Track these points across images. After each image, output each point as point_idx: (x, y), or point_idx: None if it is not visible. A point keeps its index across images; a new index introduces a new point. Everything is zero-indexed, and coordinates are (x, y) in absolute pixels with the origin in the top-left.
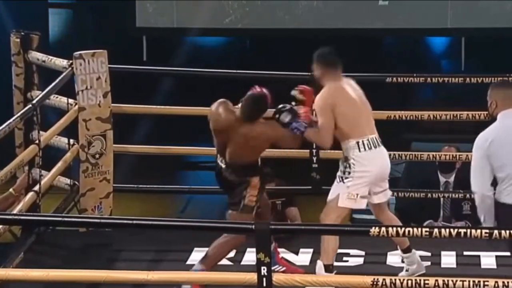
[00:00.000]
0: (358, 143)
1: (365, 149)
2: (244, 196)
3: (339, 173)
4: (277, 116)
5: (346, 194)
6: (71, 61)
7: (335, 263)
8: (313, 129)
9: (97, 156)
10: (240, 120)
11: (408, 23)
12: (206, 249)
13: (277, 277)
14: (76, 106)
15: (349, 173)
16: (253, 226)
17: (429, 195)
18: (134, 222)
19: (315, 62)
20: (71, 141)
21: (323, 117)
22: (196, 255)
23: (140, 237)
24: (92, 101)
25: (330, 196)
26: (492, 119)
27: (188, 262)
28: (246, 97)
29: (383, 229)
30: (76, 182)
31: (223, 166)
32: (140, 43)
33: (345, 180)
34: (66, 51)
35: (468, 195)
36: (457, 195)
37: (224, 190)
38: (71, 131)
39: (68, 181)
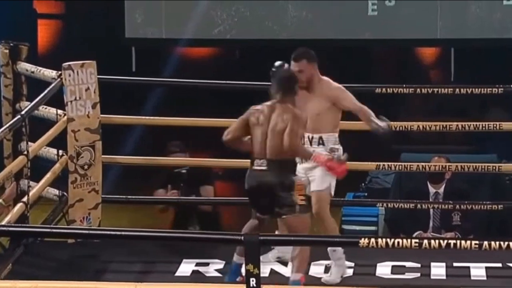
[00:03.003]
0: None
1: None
2: (291, 198)
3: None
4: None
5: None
6: (60, 72)
7: (325, 275)
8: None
9: (85, 167)
10: (279, 101)
11: (397, 34)
12: (195, 260)
13: None
14: (65, 117)
15: None
16: (242, 237)
17: (419, 205)
18: (123, 233)
19: (311, 62)
20: (60, 152)
21: (352, 96)
22: (185, 267)
23: (129, 249)
24: (81, 112)
25: (320, 186)
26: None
27: (177, 274)
28: (274, 76)
29: (373, 240)
30: (65, 193)
31: (264, 168)
32: (129, 54)
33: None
34: (55, 62)
35: (458, 206)
36: (446, 206)
37: (261, 200)
38: (60, 142)
39: (56, 192)
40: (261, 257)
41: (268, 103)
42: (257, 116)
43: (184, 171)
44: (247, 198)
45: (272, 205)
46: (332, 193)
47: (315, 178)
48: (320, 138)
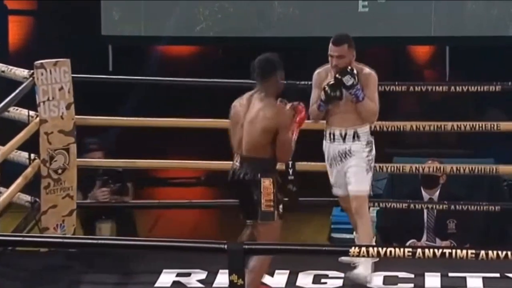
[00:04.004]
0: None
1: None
2: (259, 202)
3: (357, 160)
4: (339, 76)
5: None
6: (32, 71)
7: (313, 285)
8: (368, 101)
9: (59, 171)
10: (258, 91)
11: (389, 31)
12: (176, 270)
13: None
14: (37, 119)
15: (369, 157)
16: (226, 246)
17: (412, 205)
18: (99, 241)
19: (351, 47)
20: (32, 155)
21: (376, 93)
22: (165, 277)
23: (106, 258)
24: (54, 113)
25: (359, 186)
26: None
27: (157, 285)
28: (255, 62)
29: (363, 249)
30: (37, 199)
31: (237, 164)
32: (106, 52)
33: (370, 165)
34: (26, 60)
35: (452, 207)
36: (441, 207)
37: (242, 200)
38: (31, 145)
39: (28, 198)
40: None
41: (248, 93)
42: (236, 109)
43: (120, 170)
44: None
45: (243, 206)
46: (370, 189)
47: (351, 176)
48: (355, 133)
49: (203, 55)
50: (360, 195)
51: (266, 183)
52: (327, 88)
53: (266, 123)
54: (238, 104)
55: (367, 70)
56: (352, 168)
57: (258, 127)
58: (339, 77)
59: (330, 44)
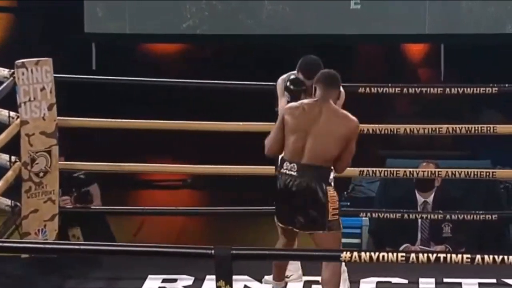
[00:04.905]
0: None
1: None
2: (325, 212)
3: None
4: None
5: None
6: (12, 70)
7: None
8: None
9: (41, 174)
10: (324, 100)
11: (382, 29)
12: (161, 276)
13: None
14: (18, 120)
15: None
16: (213, 251)
17: (406, 215)
18: (82, 247)
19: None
20: (13, 158)
21: None
22: (151, 283)
23: (89, 264)
24: (36, 114)
25: None
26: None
27: None
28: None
29: (355, 254)
30: (18, 203)
31: (294, 173)
32: (89, 50)
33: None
34: (7, 59)
35: (448, 216)
36: (436, 216)
37: (293, 208)
38: (12, 147)
39: (9, 202)
40: (265, 279)
41: (310, 101)
42: (294, 115)
43: (82, 176)
44: (274, 205)
45: (300, 216)
46: None
47: None
48: None
49: (189, 54)
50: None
51: (332, 192)
52: (288, 84)
53: (344, 132)
54: (297, 111)
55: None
56: None
57: (335, 136)
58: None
59: (302, 77)
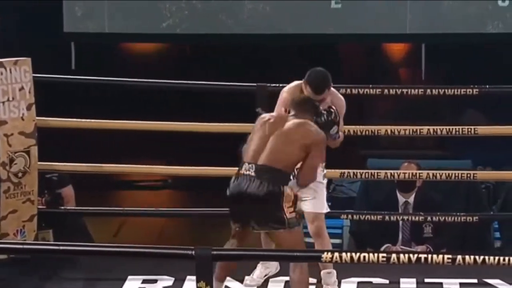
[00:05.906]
0: None
1: None
2: (282, 210)
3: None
4: (323, 119)
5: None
6: None
7: None
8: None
9: (20, 174)
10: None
11: (363, 28)
12: (141, 277)
13: None
14: None
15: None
16: (193, 252)
17: (387, 217)
18: (61, 248)
19: (329, 84)
20: None
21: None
22: (130, 284)
23: (68, 265)
24: (15, 114)
25: (317, 208)
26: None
27: None
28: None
29: (336, 254)
30: None
31: (252, 173)
32: (68, 50)
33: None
34: None
35: (429, 217)
36: (417, 218)
37: (248, 209)
38: None
39: None
40: (248, 280)
41: (282, 113)
42: (264, 119)
43: (55, 177)
44: (227, 207)
45: (256, 216)
46: (326, 208)
47: (309, 198)
48: None
49: (169, 53)
50: (318, 214)
51: (288, 191)
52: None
53: (304, 142)
54: (265, 119)
55: (339, 95)
56: (310, 190)
57: (294, 143)
58: (323, 119)
59: (311, 91)
